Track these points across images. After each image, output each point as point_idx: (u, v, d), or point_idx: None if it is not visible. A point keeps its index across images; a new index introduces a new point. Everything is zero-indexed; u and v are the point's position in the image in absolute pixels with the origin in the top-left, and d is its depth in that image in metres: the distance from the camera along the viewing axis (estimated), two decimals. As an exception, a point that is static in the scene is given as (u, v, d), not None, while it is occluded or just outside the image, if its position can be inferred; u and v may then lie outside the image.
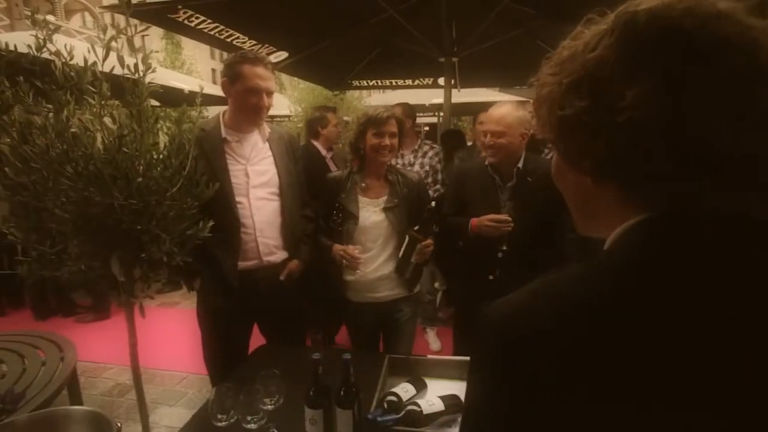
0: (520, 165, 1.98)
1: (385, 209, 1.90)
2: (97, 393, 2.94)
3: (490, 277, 2.02)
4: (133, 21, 1.19)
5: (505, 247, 1.94)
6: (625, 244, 0.48)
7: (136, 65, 1.19)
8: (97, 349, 3.44)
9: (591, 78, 0.46)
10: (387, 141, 1.87)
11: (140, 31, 1.21)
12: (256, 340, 2.05)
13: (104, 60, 1.16)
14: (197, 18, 2.86)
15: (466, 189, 2.10)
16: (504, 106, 1.97)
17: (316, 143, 3.29)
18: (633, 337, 0.41)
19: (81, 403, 2.38)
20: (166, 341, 3.56)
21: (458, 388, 1.49)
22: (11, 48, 1.19)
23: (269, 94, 1.87)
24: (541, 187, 1.94)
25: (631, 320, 0.42)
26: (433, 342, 3.62)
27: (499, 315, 0.49)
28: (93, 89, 1.17)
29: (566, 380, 0.43)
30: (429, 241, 1.81)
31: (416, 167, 3.47)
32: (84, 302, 4.33)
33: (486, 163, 2.04)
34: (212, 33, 3.08)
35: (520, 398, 0.45)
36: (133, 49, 1.19)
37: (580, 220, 0.59)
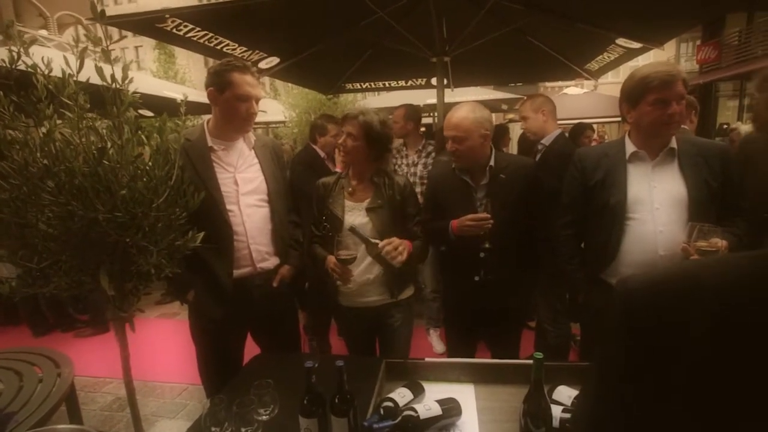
0: (492, 163, 1.98)
1: (368, 209, 1.89)
2: (97, 408, 2.92)
3: (476, 278, 2.01)
4: (111, 30, 1.17)
5: (487, 245, 1.92)
6: None
7: (112, 76, 1.17)
8: (96, 363, 3.42)
9: None
10: (342, 140, 1.91)
11: (117, 41, 1.19)
12: (251, 348, 2.03)
13: (79, 71, 1.15)
14: (186, 26, 2.85)
15: (440, 194, 2.09)
16: (461, 110, 1.95)
17: (314, 146, 3.39)
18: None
19: (80, 419, 2.36)
20: (165, 352, 3.54)
21: (456, 391, 1.47)
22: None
23: (257, 101, 1.87)
24: (515, 183, 1.96)
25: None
26: (436, 344, 3.60)
27: (632, 285, 0.53)
28: (69, 102, 1.15)
29: (685, 356, 0.45)
30: (390, 245, 1.74)
31: (419, 167, 3.47)
32: (82, 317, 4.31)
33: (452, 167, 2.04)
34: (202, 41, 3.07)
35: (643, 368, 0.49)
36: (108, 60, 1.17)
37: None
